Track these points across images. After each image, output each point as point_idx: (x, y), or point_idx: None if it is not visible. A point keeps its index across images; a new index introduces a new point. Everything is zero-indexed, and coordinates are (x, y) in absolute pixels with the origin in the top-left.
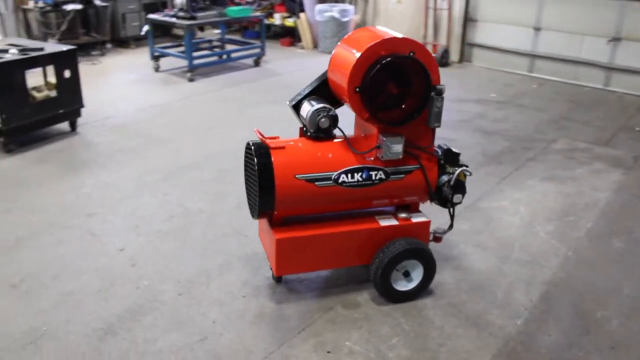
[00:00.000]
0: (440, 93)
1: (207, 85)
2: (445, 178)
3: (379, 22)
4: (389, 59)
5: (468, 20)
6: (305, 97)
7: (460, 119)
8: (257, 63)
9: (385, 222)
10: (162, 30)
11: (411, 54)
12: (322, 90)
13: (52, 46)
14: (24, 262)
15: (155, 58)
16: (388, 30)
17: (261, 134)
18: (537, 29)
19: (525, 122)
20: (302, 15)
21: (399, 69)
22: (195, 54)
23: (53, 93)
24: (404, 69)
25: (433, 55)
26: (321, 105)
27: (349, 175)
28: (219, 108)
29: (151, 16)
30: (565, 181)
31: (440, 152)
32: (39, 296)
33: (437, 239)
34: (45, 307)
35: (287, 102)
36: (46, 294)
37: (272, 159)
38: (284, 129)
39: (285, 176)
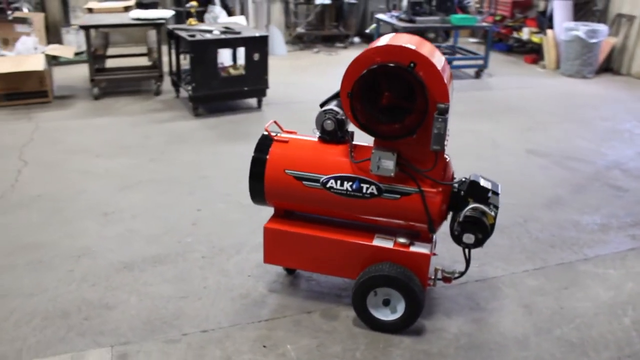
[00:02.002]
0: (442, 113)
1: None
2: (470, 213)
3: None
4: (375, 66)
5: None
6: (333, 98)
7: None
8: (477, 75)
9: (379, 242)
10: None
11: (411, 64)
12: None
13: (248, 32)
14: (126, 200)
15: None
16: (414, 39)
17: (279, 126)
18: None
19: None
20: (549, 32)
21: (399, 80)
22: None
23: (242, 71)
24: (403, 81)
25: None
26: (333, 107)
27: (339, 182)
28: None
29: (378, 16)
30: None
31: (459, 183)
32: (112, 226)
33: (446, 279)
34: (110, 235)
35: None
36: (117, 226)
37: (270, 150)
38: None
39: (275, 169)
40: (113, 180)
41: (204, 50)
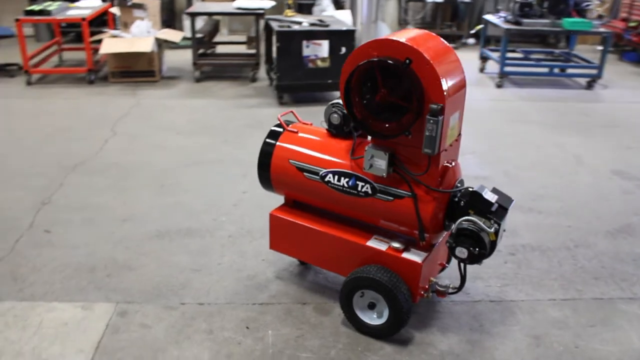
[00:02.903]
0: (434, 114)
1: (511, 94)
2: (464, 225)
3: None
4: (365, 61)
5: None
6: None
7: None
8: (589, 85)
9: (373, 243)
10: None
11: (407, 61)
12: None
13: (337, 26)
14: (185, 176)
15: (483, 59)
16: (421, 35)
17: (296, 116)
18: None
19: None
20: None
21: (394, 77)
22: (516, 62)
23: (327, 64)
24: (398, 78)
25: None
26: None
27: (336, 177)
28: (491, 119)
29: (486, 16)
30: None
31: (460, 193)
32: (163, 198)
33: (439, 293)
34: (158, 205)
35: None
36: (168, 198)
37: (279, 139)
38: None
39: (281, 158)
40: (182, 156)
41: (289, 41)
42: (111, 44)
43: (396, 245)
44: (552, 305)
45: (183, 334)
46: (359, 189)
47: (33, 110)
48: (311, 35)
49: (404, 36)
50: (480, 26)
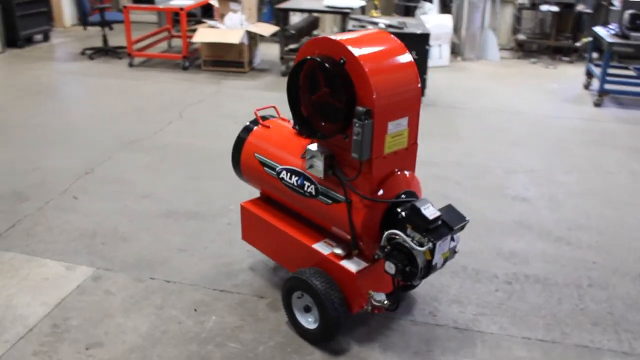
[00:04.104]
0: (359, 117)
1: (606, 114)
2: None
3: None
4: (301, 59)
5: None
6: None
7: None
8: None
9: (318, 246)
10: None
11: (341, 61)
12: None
13: (413, 29)
14: (221, 163)
15: (589, 75)
16: (374, 36)
17: (277, 112)
18: None
19: None
20: None
21: (330, 77)
22: (622, 79)
23: None
24: (332, 78)
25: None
26: None
27: (289, 174)
28: (566, 139)
29: (595, 28)
30: None
31: (400, 204)
32: (191, 182)
33: (375, 308)
34: (182, 187)
35: None
36: (194, 182)
37: (251, 132)
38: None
39: (249, 151)
40: (230, 143)
41: None
42: (204, 33)
43: (338, 251)
44: (522, 344)
45: (136, 305)
46: (305, 188)
47: (123, 89)
48: None
49: (348, 36)
50: (588, 39)
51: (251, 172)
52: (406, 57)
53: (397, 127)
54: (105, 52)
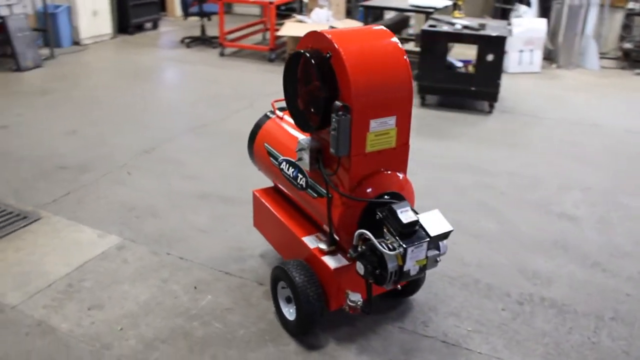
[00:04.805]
0: (337, 111)
1: None
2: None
3: None
4: (293, 52)
5: None
6: None
7: None
8: None
9: (307, 239)
10: None
11: (327, 55)
12: None
13: (490, 31)
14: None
15: None
16: (365, 29)
17: None
18: None
19: None
20: None
21: (318, 70)
22: None
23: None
24: (319, 71)
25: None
26: None
27: (287, 165)
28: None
29: None
30: None
31: (378, 205)
32: (237, 168)
33: (350, 308)
34: (227, 171)
35: None
36: (241, 169)
37: (266, 123)
38: None
39: (260, 140)
40: None
41: (433, 41)
42: (290, 27)
43: (322, 246)
44: None
45: (144, 276)
46: (298, 180)
47: (209, 77)
48: (457, 37)
49: (338, 31)
50: None
51: (261, 160)
52: (399, 57)
53: (381, 125)
54: (202, 41)
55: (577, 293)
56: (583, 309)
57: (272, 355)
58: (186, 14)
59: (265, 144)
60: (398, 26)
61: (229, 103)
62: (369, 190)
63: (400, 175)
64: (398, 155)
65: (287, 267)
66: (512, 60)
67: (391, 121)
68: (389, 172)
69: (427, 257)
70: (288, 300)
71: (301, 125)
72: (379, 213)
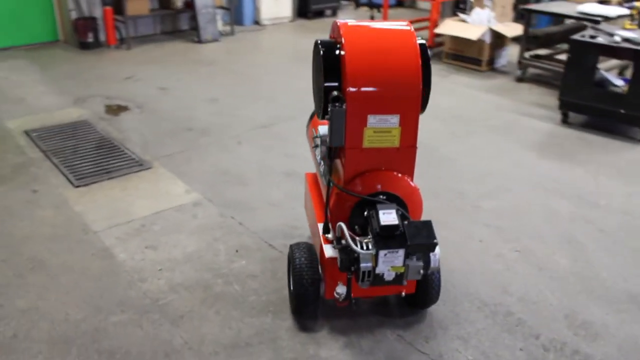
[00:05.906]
0: (334, 101)
1: None
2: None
3: None
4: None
5: None
6: None
7: None
8: None
9: (322, 224)
10: None
11: (337, 46)
12: None
13: None
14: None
15: None
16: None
17: None
18: None
19: None
20: None
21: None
22: None
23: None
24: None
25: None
26: None
27: (317, 150)
28: None
29: None
30: None
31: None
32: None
33: (335, 300)
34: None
35: None
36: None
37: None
38: None
39: (313, 124)
40: None
41: (581, 53)
42: (448, 25)
43: (328, 235)
44: None
45: (201, 231)
46: (320, 167)
47: None
48: (610, 50)
49: (356, 24)
50: None
51: (310, 143)
52: (411, 59)
53: (381, 122)
54: None
55: (622, 355)
56: None
57: (266, 325)
58: (357, 4)
59: (313, 129)
60: (566, 34)
61: None
62: (363, 186)
63: (405, 179)
64: (402, 157)
65: (294, 248)
66: None
67: (394, 120)
68: (389, 171)
69: (406, 265)
70: None
71: (318, 113)
72: (366, 210)
